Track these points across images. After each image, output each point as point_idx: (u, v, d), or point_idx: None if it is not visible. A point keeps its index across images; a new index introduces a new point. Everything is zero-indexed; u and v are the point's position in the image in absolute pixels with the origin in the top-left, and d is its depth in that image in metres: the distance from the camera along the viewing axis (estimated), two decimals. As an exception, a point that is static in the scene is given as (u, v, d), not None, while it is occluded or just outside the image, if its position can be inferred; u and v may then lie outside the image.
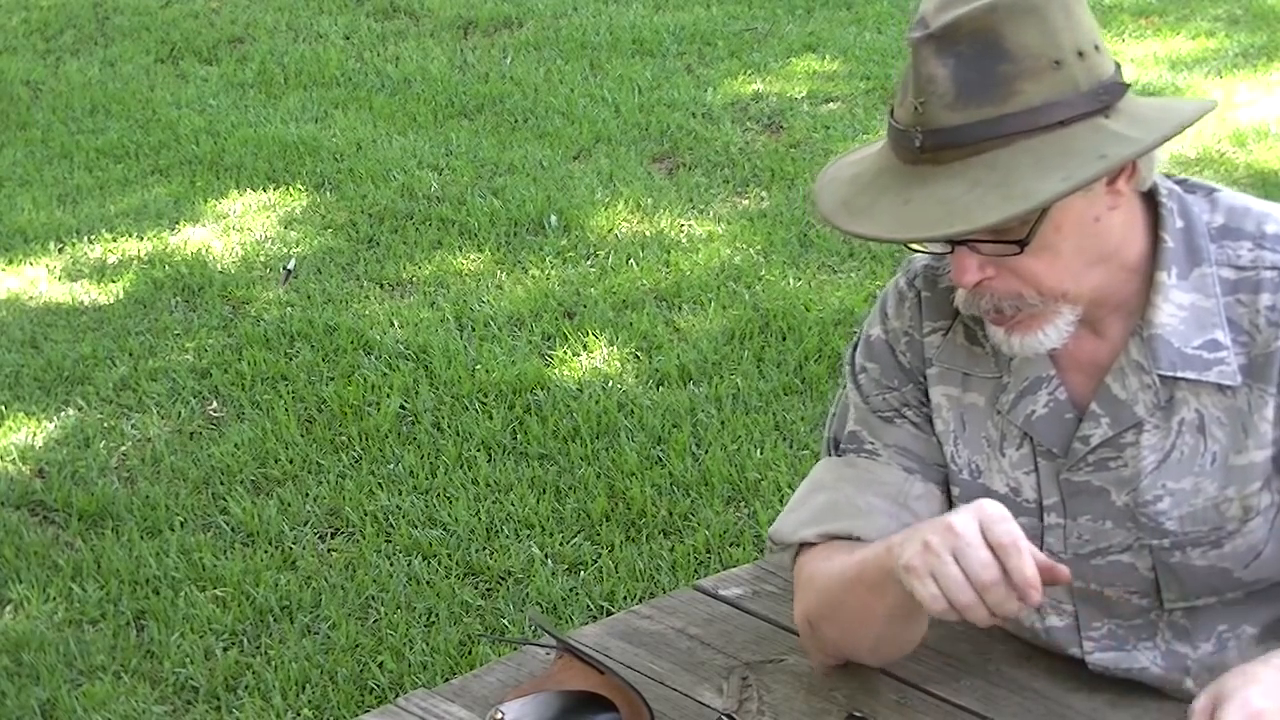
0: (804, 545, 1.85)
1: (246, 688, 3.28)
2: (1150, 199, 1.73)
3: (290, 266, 5.12)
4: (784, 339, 4.43)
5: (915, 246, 1.70)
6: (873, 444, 1.85)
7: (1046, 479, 1.78)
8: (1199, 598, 1.76)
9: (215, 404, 4.37)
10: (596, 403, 4.17)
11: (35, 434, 4.25)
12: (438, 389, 4.32)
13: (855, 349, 1.89)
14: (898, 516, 1.80)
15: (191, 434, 4.22)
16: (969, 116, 1.56)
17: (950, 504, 1.84)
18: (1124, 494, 1.75)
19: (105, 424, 4.28)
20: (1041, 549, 1.75)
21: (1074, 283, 1.66)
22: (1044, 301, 1.66)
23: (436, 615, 3.45)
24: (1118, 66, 1.63)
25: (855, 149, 1.76)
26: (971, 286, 1.65)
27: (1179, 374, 1.70)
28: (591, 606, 3.45)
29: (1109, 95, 1.60)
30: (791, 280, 4.78)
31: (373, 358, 4.49)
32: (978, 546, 1.54)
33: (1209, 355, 1.70)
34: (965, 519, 1.57)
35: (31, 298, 5.07)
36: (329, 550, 3.72)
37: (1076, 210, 1.63)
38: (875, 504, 1.81)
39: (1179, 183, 1.76)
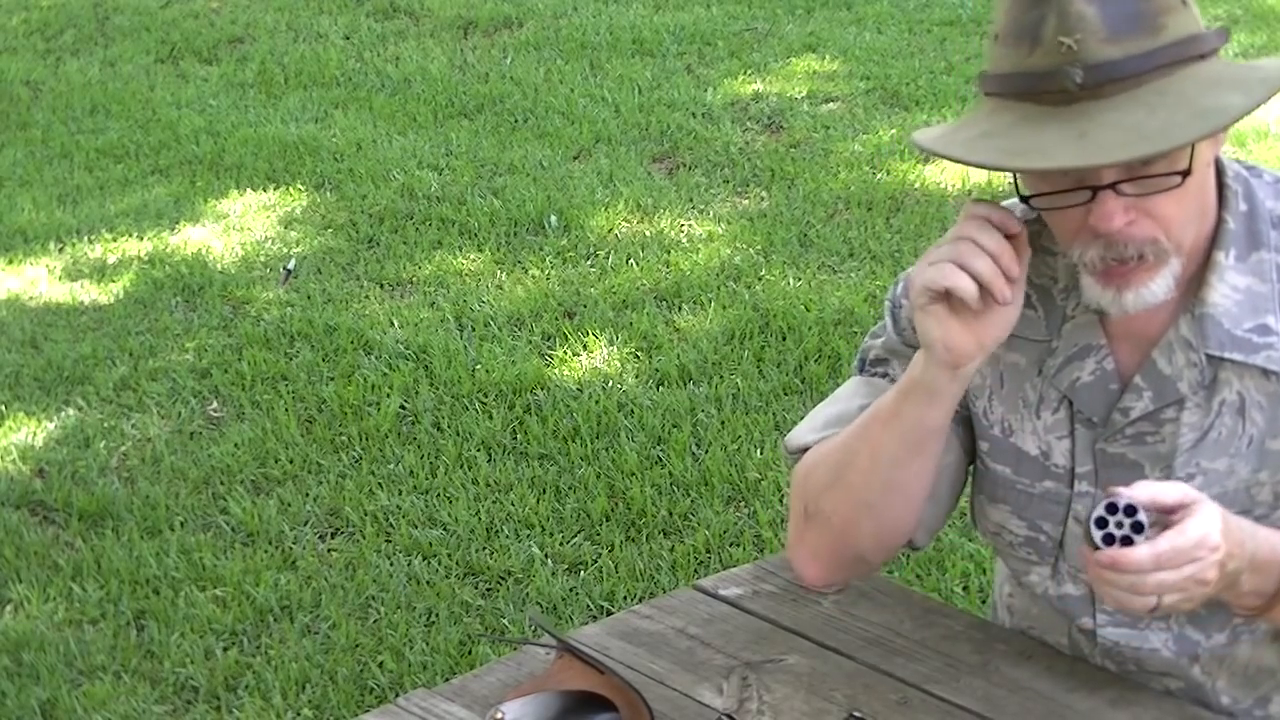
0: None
1: (246, 688, 3.28)
2: (1217, 178, 1.74)
3: (290, 266, 5.12)
4: (784, 339, 4.43)
5: (1035, 203, 1.68)
6: (896, 374, 1.88)
7: (1082, 447, 1.79)
8: None
9: (215, 404, 4.37)
10: (596, 403, 4.17)
11: (35, 434, 4.25)
12: (438, 389, 4.32)
13: (899, 284, 1.92)
14: None
15: (191, 434, 4.22)
16: (1127, 50, 1.57)
17: (955, 441, 1.87)
18: (1158, 470, 1.75)
19: (105, 424, 4.28)
20: (1068, 516, 1.79)
21: (1191, 230, 1.68)
22: (1170, 249, 1.66)
23: (436, 615, 3.45)
24: None
25: (935, 126, 1.75)
26: (1117, 231, 1.63)
27: (1226, 355, 1.71)
28: (591, 606, 3.45)
29: (1220, 38, 1.63)
30: (791, 280, 4.78)
31: (373, 358, 4.50)
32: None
33: (1258, 339, 1.71)
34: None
35: (31, 298, 5.07)
36: (329, 550, 3.72)
37: (1204, 153, 1.64)
38: None
39: (1248, 168, 1.78)
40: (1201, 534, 1.56)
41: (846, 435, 1.83)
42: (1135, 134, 1.55)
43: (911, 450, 1.77)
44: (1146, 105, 1.56)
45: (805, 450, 1.91)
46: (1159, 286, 1.66)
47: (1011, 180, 1.71)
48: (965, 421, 1.89)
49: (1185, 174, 1.60)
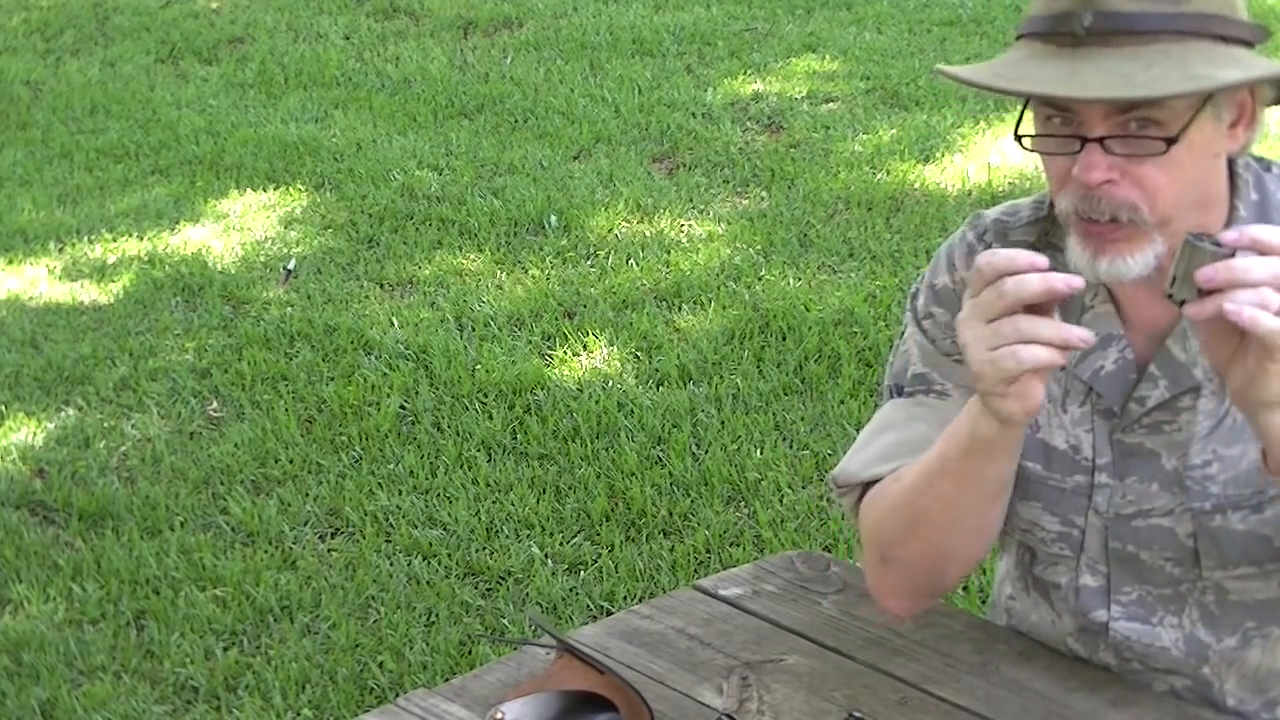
0: (868, 485, 1.86)
1: (246, 688, 3.28)
2: (1229, 167, 1.75)
3: (290, 266, 5.12)
4: (784, 339, 4.43)
5: (1027, 143, 1.68)
6: (943, 384, 1.86)
7: (1101, 438, 1.79)
8: (1237, 566, 1.76)
9: (215, 404, 4.37)
10: (596, 403, 4.17)
11: (35, 434, 4.25)
12: (438, 389, 4.32)
13: (917, 298, 1.90)
14: None
15: (191, 434, 4.22)
16: (1143, 6, 1.59)
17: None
18: (1174, 458, 1.75)
19: (105, 424, 4.28)
20: (1089, 507, 1.79)
21: (1181, 211, 1.66)
22: (1151, 222, 1.65)
23: (436, 615, 3.45)
24: None
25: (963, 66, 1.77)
26: (1096, 185, 1.64)
27: None
28: (591, 606, 3.45)
29: (1259, 32, 1.64)
30: (791, 280, 4.78)
31: (373, 358, 4.50)
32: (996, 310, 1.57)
33: None
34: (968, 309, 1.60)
35: (31, 298, 5.07)
36: (329, 550, 3.72)
37: (1207, 135, 1.65)
38: None
39: (1258, 160, 1.78)
40: None
41: (913, 489, 1.78)
42: (1121, 79, 1.57)
43: (989, 500, 1.76)
44: (1145, 61, 1.58)
45: (864, 483, 1.85)
46: (1136, 263, 1.66)
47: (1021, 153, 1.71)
48: None
49: (1170, 141, 1.60)
